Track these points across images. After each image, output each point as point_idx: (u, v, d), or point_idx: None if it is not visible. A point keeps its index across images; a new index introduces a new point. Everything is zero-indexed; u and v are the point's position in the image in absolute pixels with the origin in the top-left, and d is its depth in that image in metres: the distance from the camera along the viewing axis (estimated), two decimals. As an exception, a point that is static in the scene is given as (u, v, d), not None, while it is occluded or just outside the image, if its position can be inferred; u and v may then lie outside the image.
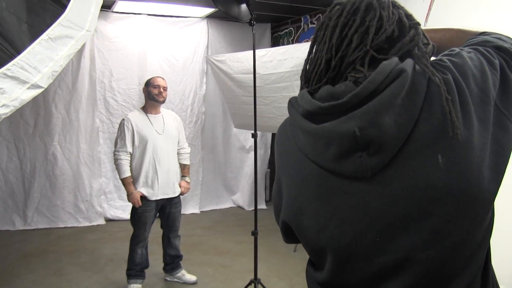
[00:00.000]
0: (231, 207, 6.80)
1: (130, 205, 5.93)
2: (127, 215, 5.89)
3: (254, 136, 3.35)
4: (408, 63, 0.86)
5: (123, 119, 3.73)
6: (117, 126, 5.72)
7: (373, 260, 0.87)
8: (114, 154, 3.70)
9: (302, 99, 0.91)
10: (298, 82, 3.59)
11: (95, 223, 5.79)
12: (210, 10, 5.86)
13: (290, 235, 1.04)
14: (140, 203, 3.65)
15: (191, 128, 6.25)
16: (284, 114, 3.74)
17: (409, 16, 0.95)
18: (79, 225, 5.71)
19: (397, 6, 0.96)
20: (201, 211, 6.41)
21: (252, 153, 6.55)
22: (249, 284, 3.49)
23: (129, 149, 3.66)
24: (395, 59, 0.87)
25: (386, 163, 0.83)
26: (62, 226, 5.67)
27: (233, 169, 6.80)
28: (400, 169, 0.83)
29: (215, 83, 6.38)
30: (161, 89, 3.74)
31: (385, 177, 0.84)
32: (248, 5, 3.11)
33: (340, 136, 0.83)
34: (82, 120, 5.70)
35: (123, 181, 3.66)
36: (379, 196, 0.84)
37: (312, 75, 1.00)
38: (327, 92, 0.89)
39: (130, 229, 5.53)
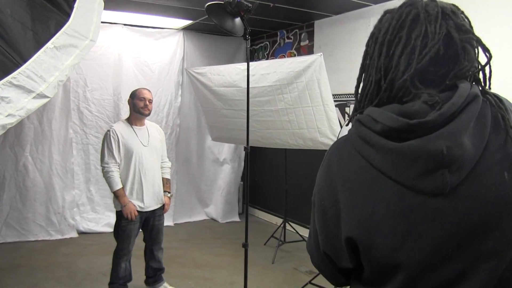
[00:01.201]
0: (204, 219, 6.77)
1: (103, 218, 5.89)
2: (100, 228, 5.83)
3: (246, 149, 3.37)
4: (477, 88, 0.93)
5: (109, 130, 3.67)
6: (91, 137, 5.68)
7: (443, 269, 0.91)
8: (103, 167, 3.60)
9: (383, 116, 0.91)
10: (281, 96, 3.65)
11: (67, 236, 5.63)
12: (186, 22, 5.87)
13: (354, 253, 1.01)
14: (136, 214, 3.60)
15: (166, 141, 6.18)
16: (264, 127, 3.80)
17: (460, 27, 0.94)
18: (51, 238, 5.54)
19: (447, 16, 0.94)
20: (175, 224, 6.35)
21: (226, 165, 6.64)
22: (239, 296, 3.48)
23: (118, 159, 3.60)
24: (467, 83, 0.93)
25: (461, 180, 0.88)
26: (33, 239, 5.48)
27: (206, 181, 6.79)
28: (472, 186, 0.89)
29: (190, 95, 6.39)
30: (147, 102, 3.72)
31: (459, 193, 0.89)
32: (242, 20, 3.14)
33: (427, 154, 0.86)
34: (55, 130, 5.56)
35: (116, 193, 3.58)
36: (453, 210, 0.89)
37: (363, 94, 1.04)
38: (398, 111, 0.91)
39: (104, 242, 5.46)
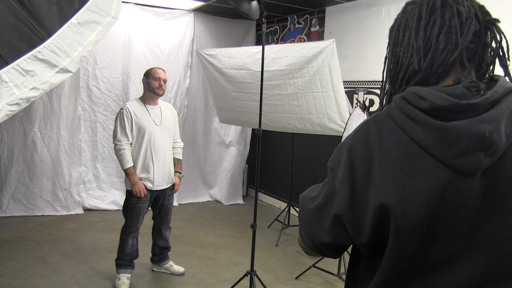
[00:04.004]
0: (208, 201, 6.84)
1: (108, 195, 5.96)
2: (105, 205, 5.90)
3: (258, 131, 3.41)
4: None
5: (122, 108, 3.68)
6: (99, 115, 5.73)
7: (457, 243, 0.97)
8: (116, 145, 3.63)
9: (431, 95, 0.96)
10: (291, 81, 3.64)
11: (73, 212, 5.70)
12: (197, 4, 5.86)
13: (379, 222, 1.02)
14: (145, 192, 3.64)
15: (173, 121, 6.24)
16: (273, 111, 3.82)
17: (481, 8, 1.03)
18: (57, 214, 5.62)
19: None
20: (179, 204, 6.40)
21: (232, 148, 6.70)
22: (245, 275, 3.55)
23: (130, 139, 3.64)
24: (504, 78, 1.01)
25: (491, 164, 0.95)
26: (39, 214, 5.56)
27: (211, 163, 6.84)
28: (498, 170, 0.96)
29: (199, 77, 6.41)
30: (162, 82, 3.73)
31: (486, 175, 0.95)
32: (259, 2, 3.15)
33: (470, 136, 0.92)
34: (64, 107, 5.60)
35: (127, 171, 3.62)
36: (478, 190, 0.95)
37: (399, 76, 1.08)
38: (443, 91, 0.96)
39: (109, 219, 5.54)
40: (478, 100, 0.93)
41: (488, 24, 1.01)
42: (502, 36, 1.03)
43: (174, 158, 3.95)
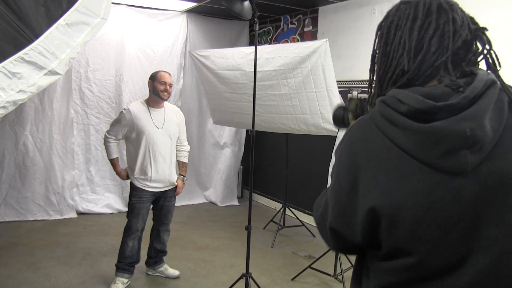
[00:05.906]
0: (203, 202, 6.79)
1: (102, 199, 5.92)
2: (99, 209, 5.86)
3: (251, 132, 3.38)
4: (493, 75, 0.99)
5: (124, 109, 3.73)
6: (92, 117, 5.73)
7: (459, 247, 0.95)
8: (105, 136, 3.75)
9: (408, 98, 0.95)
10: (285, 81, 3.60)
11: (66, 216, 5.63)
12: (190, 5, 5.82)
13: (371, 227, 1.01)
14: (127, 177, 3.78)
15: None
16: (267, 111, 3.77)
17: (472, 19, 1.04)
18: (50, 218, 5.54)
19: (461, 8, 1.05)
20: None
21: (226, 149, 6.66)
22: (241, 277, 3.51)
23: (119, 137, 3.72)
24: (484, 71, 1.00)
25: (480, 160, 0.93)
26: (32, 219, 5.49)
27: (206, 165, 6.79)
28: (490, 167, 0.93)
29: (192, 78, 6.37)
30: (167, 86, 3.71)
31: (477, 173, 0.93)
32: (251, 3, 3.12)
33: (451, 135, 0.90)
34: (56, 110, 5.53)
35: (112, 161, 3.80)
36: (471, 189, 0.93)
37: (387, 76, 1.06)
38: (422, 93, 0.95)
39: (103, 223, 5.49)
40: (456, 100, 0.92)
41: (477, 33, 1.02)
42: (490, 44, 1.03)
43: (178, 161, 3.94)
